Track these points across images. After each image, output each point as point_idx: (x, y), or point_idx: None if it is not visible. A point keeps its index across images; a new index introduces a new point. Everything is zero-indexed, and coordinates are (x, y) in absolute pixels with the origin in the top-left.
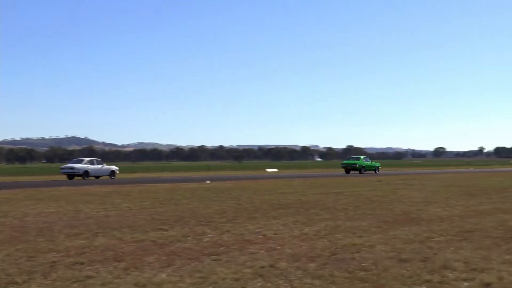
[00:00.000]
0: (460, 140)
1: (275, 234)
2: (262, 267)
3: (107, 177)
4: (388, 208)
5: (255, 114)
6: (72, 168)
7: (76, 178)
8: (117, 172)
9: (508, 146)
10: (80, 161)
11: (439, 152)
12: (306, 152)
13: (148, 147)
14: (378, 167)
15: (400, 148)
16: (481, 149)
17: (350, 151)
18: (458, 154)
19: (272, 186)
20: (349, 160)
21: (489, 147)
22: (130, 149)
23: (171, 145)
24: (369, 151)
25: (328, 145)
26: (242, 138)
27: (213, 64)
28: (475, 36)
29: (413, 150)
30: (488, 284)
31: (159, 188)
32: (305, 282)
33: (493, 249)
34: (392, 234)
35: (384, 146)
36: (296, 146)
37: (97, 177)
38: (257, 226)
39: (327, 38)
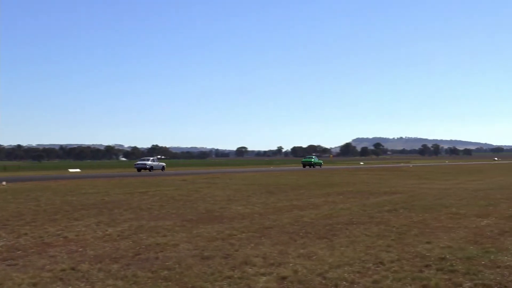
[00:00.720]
0: (260, 140)
1: (76, 235)
2: (63, 270)
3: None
4: (192, 207)
5: (56, 112)
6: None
7: None
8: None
9: (304, 146)
10: (147, 159)
11: (241, 152)
12: (110, 152)
13: None
14: (321, 163)
15: (204, 148)
16: (280, 149)
17: (155, 150)
18: (259, 154)
19: (74, 187)
20: (306, 158)
21: (287, 147)
22: None
23: None
24: (173, 151)
25: (133, 145)
26: (42, 136)
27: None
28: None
29: (217, 150)
30: (284, 278)
31: None
32: (107, 284)
33: (290, 244)
34: (196, 232)
35: (189, 146)
36: (100, 145)
37: None
38: (58, 228)
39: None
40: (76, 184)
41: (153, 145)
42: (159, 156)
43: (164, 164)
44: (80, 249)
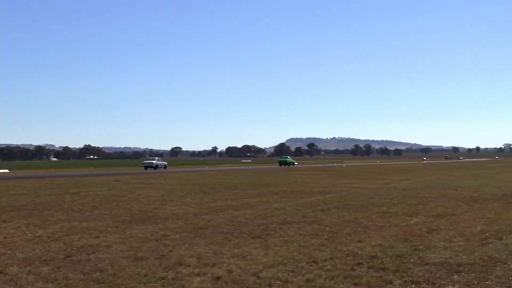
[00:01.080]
0: (195, 140)
1: (5, 238)
2: None
3: None
4: (126, 207)
5: None
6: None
7: None
8: None
9: (239, 146)
10: (154, 158)
11: (176, 152)
12: (41, 152)
13: None
14: (294, 162)
15: (138, 148)
16: (214, 149)
17: (87, 150)
18: (194, 154)
19: (2, 188)
20: (282, 158)
21: (221, 147)
22: None
23: None
24: (106, 151)
25: (64, 145)
26: None
27: None
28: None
29: (151, 150)
30: (218, 278)
31: None
32: (37, 287)
33: (224, 244)
34: (129, 233)
35: (123, 146)
36: (30, 145)
37: None
38: None
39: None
40: (4, 185)
41: (85, 145)
42: (157, 158)
43: (166, 163)
44: (9, 252)
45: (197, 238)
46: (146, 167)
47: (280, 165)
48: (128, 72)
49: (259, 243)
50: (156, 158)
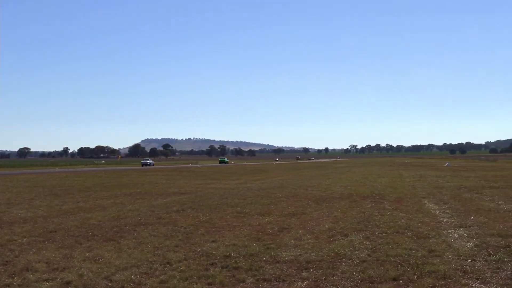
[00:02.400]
0: (45, 140)
1: None
2: None
3: None
4: None
5: None
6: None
7: None
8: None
9: (92, 146)
10: (148, 159)
11: (24, 153)
12: None
13: None
14: (227, 161)
15: None
16: (66, 149)
17: None
18: (44, 155)
19: None
20: (222, 158)
21: (73, 148)
22: None
23: None
24: None
25: None
26: None
27: None
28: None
29: None
30: (69, 282)
31: None
32: None
33: (75, 247)
34: None
35: None
36: None
37: None
38: None
39: None
40: None
41: None
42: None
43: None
44: None
45: (46, 242)
46: (142, 165)
47: (220, 163)
48: None
49: (112, 245)
50: (150, 158)
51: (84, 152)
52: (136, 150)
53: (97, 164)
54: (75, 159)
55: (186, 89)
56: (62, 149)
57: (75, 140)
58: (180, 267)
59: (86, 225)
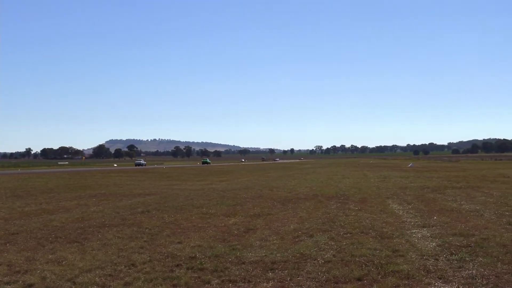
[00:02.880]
0: (6, 141)
1: None
2: None
3: None
4: None
5: None
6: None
7: None
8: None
9: (55, 147)
10: (141, 159)
11: None
12: None
13: None
14: (209, 162)
15: None
16: (28, 150)
17: None
18: (5, 156)
19: None
20: (205, 159)
21: (36, 149)
22: None
23: None
24: None
25: None
26: None
27: None
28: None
29: None
30: (31, 285)
31: None
32: None
33: (38, 249)
34: None
35: None
36: None
37: None
38: None
39: None
40: None
41: None
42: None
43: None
44: None
45: (7, 245)
46: (136, 165)
47: (203, 164)
48: None
49: (75, 247)
50: (142, 159)
51: (47, 153)
52: (100, 151)
53: (61, 165)
54: (38, 160)
55: (151, 90)
56: (24, 150)
57: (38, 140)
58: (145, 268)
59: (49, 227)
